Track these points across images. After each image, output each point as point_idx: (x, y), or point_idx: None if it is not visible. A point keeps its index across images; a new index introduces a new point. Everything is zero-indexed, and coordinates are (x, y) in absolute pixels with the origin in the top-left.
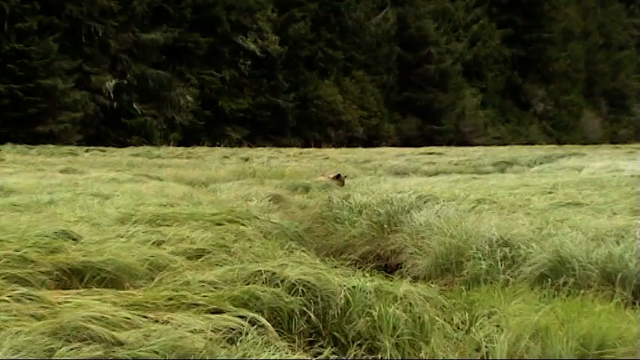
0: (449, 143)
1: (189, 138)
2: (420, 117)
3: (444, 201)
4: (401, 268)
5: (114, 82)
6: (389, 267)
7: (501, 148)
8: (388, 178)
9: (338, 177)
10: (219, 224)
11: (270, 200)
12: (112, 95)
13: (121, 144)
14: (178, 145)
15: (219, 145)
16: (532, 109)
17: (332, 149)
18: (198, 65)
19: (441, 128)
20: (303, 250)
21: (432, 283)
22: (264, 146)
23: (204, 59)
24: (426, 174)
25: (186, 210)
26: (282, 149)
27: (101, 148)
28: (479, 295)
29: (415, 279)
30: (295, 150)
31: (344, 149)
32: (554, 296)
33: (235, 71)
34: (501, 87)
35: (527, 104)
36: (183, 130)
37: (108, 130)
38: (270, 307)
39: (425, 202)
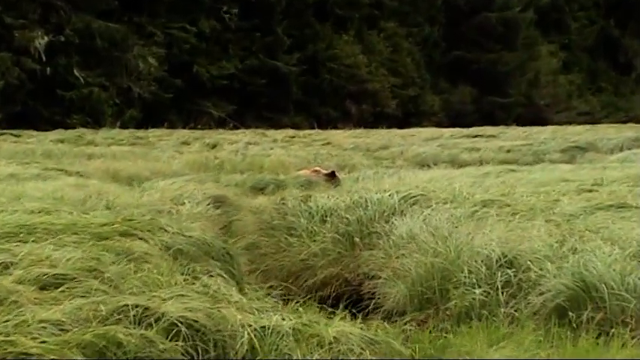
0: (517, 121)
1: (152, 116)
2: (477, 86)
3: (436, 203)
4: (374, 298)
5: (46, 39)
6: (361, 297)
7: (579, 127)
8: (402, 172)
9: (332, 175)
10: (106, 239)
11: (210, 204)
12: (43, 58)
13: (57, 125)
14: (137, 127)
15: (195, 127)
16: (634, 72)
17: (339, 132)
18: (164, 15)
19: (505, 101)
20: (220, 275)
21: (404, 319)
22: (257, 127)
23: (173, 6)
24: (463, 164)
25: (65, 219)
26: (269, 132)
27: (16, 132)
28: (457, 336)
29: (387, 314)
30: (289, 132)
31: (358, 131)
32: (568, 337)
33: (217, 23)
34: (591, 42)
35: (627, 66)
36: (143, 105)
37: (38, 106)
38: (138, 357)
39: (411, 206)
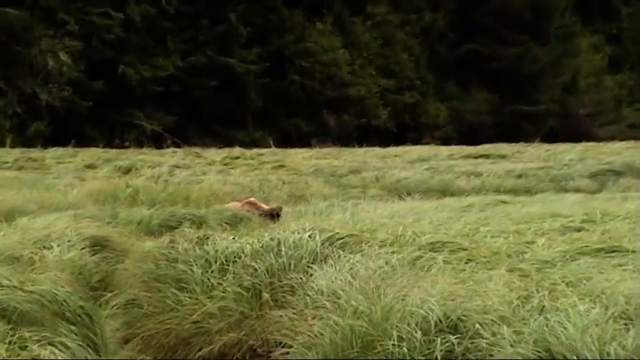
0: (550, 136)
1: (64, 131)
2: (496, 90)
3: (370, 246)
4: None
5: None
6: None
7: (619, 144)
8: (362, 204)
9: (275, 215)
10: None
11: (86, 247)
12: None
13: None
14: (45, 144)
15: (122, 145)
16: None
17: (300, 151)
18: None
19: (534, 109)
20: (63, 344)
21: None
22: (204, 145)
23: None
24: (458, 193)
25: None
26: (206, 152)
27: None
28: None
29: None
30: (232, 152)
31: (325, 150)
32: None
33: (151, 8)
34: None
35: None
36: (52, 116)
37: None
38: None
39: (338, 250)
